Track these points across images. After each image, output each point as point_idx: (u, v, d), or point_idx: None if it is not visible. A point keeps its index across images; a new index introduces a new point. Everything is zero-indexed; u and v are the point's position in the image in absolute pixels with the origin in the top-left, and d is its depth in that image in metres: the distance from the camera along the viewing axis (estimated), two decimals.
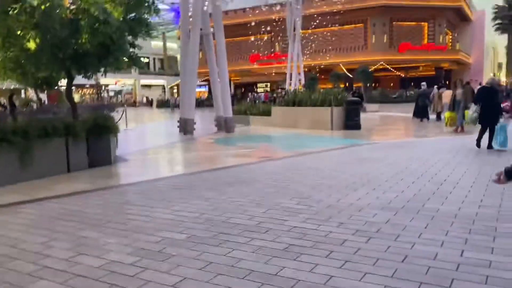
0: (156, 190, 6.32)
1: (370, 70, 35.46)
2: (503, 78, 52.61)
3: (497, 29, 54.36)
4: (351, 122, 15.43)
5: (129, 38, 9.08)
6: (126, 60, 9.18)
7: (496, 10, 53.61)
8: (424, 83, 20.22)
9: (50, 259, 3.70)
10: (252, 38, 47.62)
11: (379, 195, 5.62)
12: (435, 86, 19.80)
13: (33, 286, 3.21)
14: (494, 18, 54.05)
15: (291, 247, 3.78)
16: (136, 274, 3.31)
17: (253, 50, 49.17)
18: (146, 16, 9.20)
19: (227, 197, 5.70)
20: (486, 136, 9.48)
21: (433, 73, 43.93)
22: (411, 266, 3.34)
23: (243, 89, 53.66)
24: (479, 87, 11.90)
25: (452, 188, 5.85)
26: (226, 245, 3.88)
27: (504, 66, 65.11)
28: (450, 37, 51.33)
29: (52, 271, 3.43)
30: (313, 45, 43.46)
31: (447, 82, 33.01)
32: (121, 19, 8.37)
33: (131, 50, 9.07)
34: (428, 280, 3.09)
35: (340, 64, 43.20)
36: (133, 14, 8.93)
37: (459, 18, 51.02)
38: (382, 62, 42.13)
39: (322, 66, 41.39)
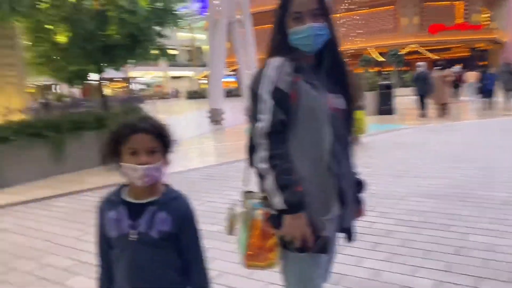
0: (187, 181, 6.22)
1: (401, 53, 34.36)
2: None
3: None
4: (384, 107, 14.93)
5: (157, 28, 8.99)
6: (155, 51, 9.11)
7: None
8: (420, 63, 14.19)
9: (85, 253, 3.62)
10: None
11: (422, 182, 5.31)
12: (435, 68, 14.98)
13: (69, 282, 3.14)
14: None
15: None
16: None
17: None
18: (172, 5, 9.07)
19: None
20: None
21: (468, 54, 42.23)
22: (466, 258, 3.07)
23: None
24: None
25: (502, 173, 5.47)
26: None
27: None
28: (486, 15, 49.19)
29: (87, 266, 3.35)
30: (342, 29, 42.51)
31: (481, 63, 31.63)
32: (148, 8, 8.26)
33: (158, 40, 8.97)
34: (487, 274, 2.82)
35: (370, 48, 42.13)
36: (160, 4, 8.81)
37: None
38: (414, 45, 40.82)
39: (352, 51, 40.45)
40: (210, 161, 9.04)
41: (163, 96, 53.32)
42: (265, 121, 1.51)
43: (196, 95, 51.09)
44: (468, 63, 30.74)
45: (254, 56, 16.61)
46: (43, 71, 9.18)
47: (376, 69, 36.35)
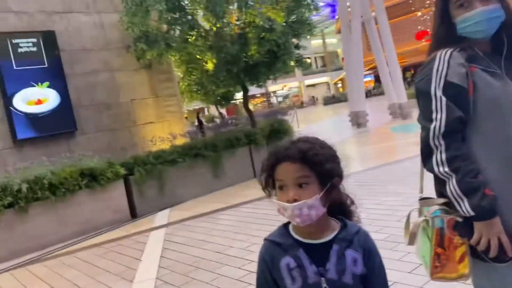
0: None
1: None
2: None
3: None
4: None
5: (294, 40, 9.22)
6: (293, 63, 9.35)
7: None
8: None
9: (255, 264, 3.82)
10: (419, 14, 44.21)
11: None
12: None
13: None
14: None
15: None
16: None
17: (419, 27, 45.58)
18: (306, 15, 9.21)
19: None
20: None
21: None
22: None
23: (411, 71, 50.23)
24: None
25: None
26: None
27: None
28: None
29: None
30: None
31: None
32: (284, 23, 8.53)
33: (296, 52, 9.18)
34: None
35: None
36: (294, 16, 9.03)
37: None
38: None
39: None
40: (356, 166, 8.84)
41: (301, 105, 54.32)
42: (439, 120, 1.38)
43: (333, 100, 50.92)
44: None
45: (394, 52, 15.87)
46: (196, 97, 10.14)
47: None
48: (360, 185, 6.16)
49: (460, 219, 1.40)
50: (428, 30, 45.72)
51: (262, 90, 45.11)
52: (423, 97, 1.46)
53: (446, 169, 1.36)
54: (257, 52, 8.25)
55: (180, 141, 8.14)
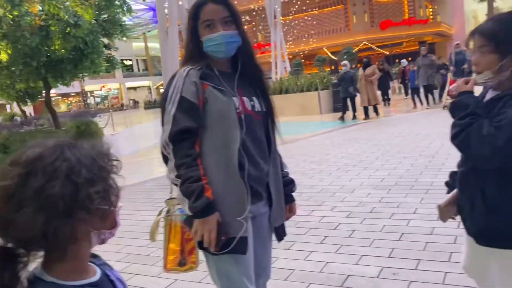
0: (142, 191, 6.18)
1: (354, 50, 35.27)
2: None
3: None
4: (338, 104, 15.30)
5: (105, 40, 8.88)
6: (104, 63, 8.99)
7: None
8: (345, 62, 13.00)
9: None
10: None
11: (371, 173, 5.52)
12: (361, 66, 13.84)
13: None
14: None
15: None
16: None
17: None
18: (120, 16, 9.00)
19: None
20: None
21: (417, 47, 43.85)
22: (408, 243, 3.23)
23: None
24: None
25: (444, 160, 5.76)
26: None
27: None
28: (431, 10, 51.25)
29: None
30: (295, 31, 43.20)
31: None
32: (93, 21, 8.16)
33: (107, 51, 8.87)
34: (426, 256, 2.99)
35: (324, 48, 43.01)
36: (105, 15, 8.71)
37: None
38: (366, 42, 41.98)
39: (306, 52, 41.16)
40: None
41: (121, 108, 52.39)
42: (167, 131, 1.57)
43: (154, 104, 50.45)
44: (417, 57, 32.00)
45: None
46: None
47: (329, 68, 37.11)
48: (161, 188, 6.29)
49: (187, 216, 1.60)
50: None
51: (77, 89, 41.96)
52: (161, 110, 1.65)
53: (174, 175, 1.55)
54: (62, 48, 7.68)
55: None
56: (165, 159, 1.60)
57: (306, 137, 9.92)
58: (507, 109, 1.37)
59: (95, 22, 8.15)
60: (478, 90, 1.57)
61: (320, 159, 6.92)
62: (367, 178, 5.32)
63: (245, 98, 1.68)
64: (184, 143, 1.55)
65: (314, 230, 3.71)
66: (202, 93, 1.60)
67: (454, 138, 1.47)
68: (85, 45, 7.69)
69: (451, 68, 12.35)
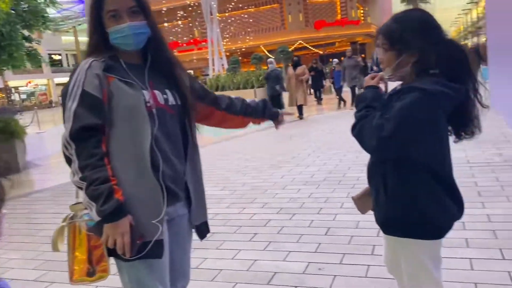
0: (68, 193, 5.84)
1: (289, 49, 35.94)
2: None
3: (402, 1, 57.51)
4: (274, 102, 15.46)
5: (25, 32, 8.28)
6: (24, 56, 8.38)
7: None
8: (271, 59, 13.07)
9: None
10: (166, 25, 46.21)
11: (303, 170, 5.60)
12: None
13: None
14: None
15: (213, 235, 3.58)
16: None
17: (170, 38, 47.84)
18: (42, 6, 8.43)
19: None
20: None
21: (349, 47, 45.56)
22: (334, 238, 3.30)
23: None
24: None
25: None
26: None
27: None
28: (362, 11, 53.44)
29: None
30: (231, 28, 43.22)
31: (363, 56, 34.31)
32: (11, 11, 7.57)
33: (28, 44, 8.27)
34: (351, 250, 3.06)
35: (261, 46, 43.42)
36: (26, 6, 8.13)
37: None
38: (300, 41, 42.94)
39: (243, 49, 41.34)
40: None
41: (49, 105, 49.65)
42: (68, 129, 1.42)
43: None
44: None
45: None
46: None
47: (266, 66, 37.41)
48: None
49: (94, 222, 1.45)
50: (179, 41, 48.70)
51: (0, 85, 39.03)
52: (62, 107, 1.50)
53: (78, 178, 1.40)
54: None
55: None
56: (68, 161, 1.45)
57: (240, 135, 9.90)
58: (397, 102, 1.41)
59: (13, 12, 7.56)
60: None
61: (253, 157, 6.93)
62: (298, 174, 5.39)
63: (156, 91, 1.57)
64: (88, 142, 1.40)
65: (244, 228, 3.68)
66: (106, 87, 1.46)
67: (352, 130, 1.52)
68: (1, 36, 7.11)
69: (374, 67, 12.80)
